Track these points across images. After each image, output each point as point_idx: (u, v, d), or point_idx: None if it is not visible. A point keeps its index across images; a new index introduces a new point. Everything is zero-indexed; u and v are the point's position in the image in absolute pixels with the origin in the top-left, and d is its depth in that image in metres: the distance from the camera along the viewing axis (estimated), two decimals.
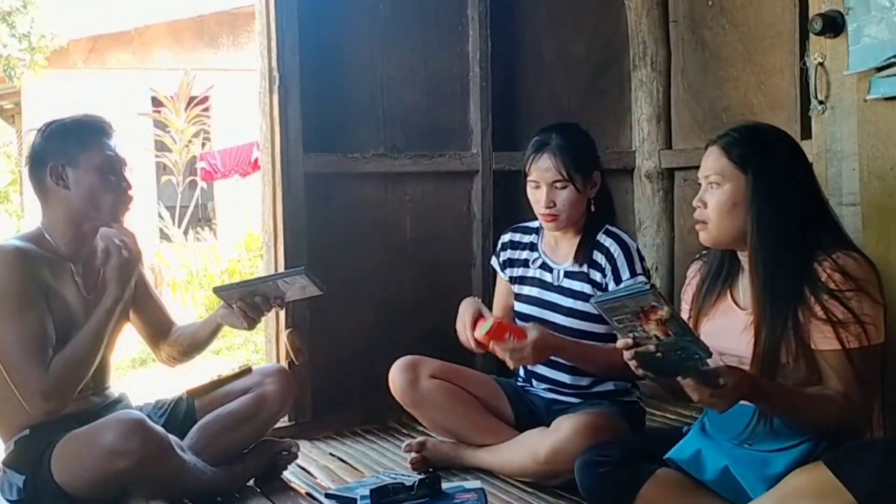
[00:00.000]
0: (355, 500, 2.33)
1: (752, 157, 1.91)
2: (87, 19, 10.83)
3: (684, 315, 2.06)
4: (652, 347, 1.74)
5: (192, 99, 11.32)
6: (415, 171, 3.29)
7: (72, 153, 2.25)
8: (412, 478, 2.42)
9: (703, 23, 3.46)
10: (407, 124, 3.30)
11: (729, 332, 1.95)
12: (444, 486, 2.37)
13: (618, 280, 2.50)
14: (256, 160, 8.78)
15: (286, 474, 2.62)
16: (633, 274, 2.50)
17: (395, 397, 2.65)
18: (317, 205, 3.10)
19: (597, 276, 2.54)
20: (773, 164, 1.91)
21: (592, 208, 2.58)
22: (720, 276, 2.04)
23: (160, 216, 10.21)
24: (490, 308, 2.77)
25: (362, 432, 3.13)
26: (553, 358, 2.52)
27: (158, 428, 2.23)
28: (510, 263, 2.73)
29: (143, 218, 9.33)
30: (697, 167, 2.04)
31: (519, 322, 2.66)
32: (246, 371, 2.60)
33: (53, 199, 2.28)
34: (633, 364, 1.80)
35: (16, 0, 10.31)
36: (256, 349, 6.09)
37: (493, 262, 2.81)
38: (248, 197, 8.78)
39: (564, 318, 2.58)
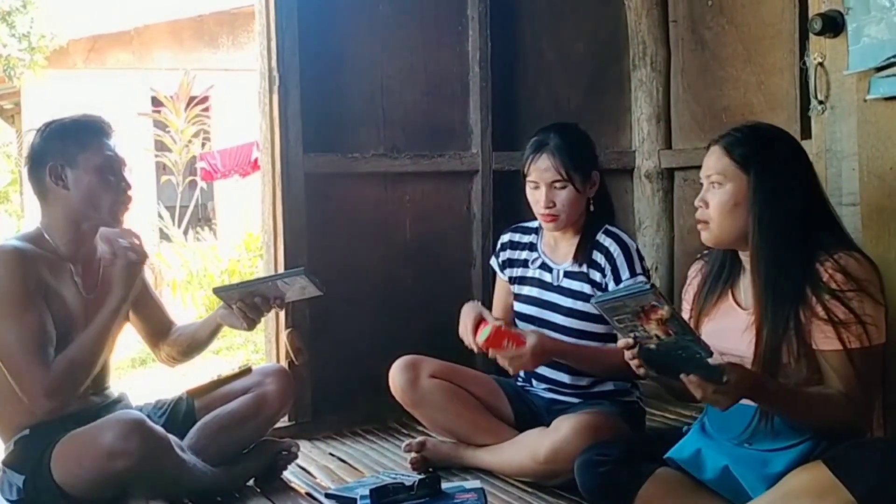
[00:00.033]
0: (355, 500, 2.33)
1: (754, 157, 1.91)
2: (86, 19, 10.83)
3: (685, 315, 2.06)
4: (653, 347, 1.74)
5: (192, 99, 11.32)
6: (415, 171, 3.29)
7: (71, 153, 2.25)
8: (412, 478, 2.42)
9: (703, 23, 3.46)
10: (407, 124, 3.30)
11: (730, 332, 1.95)
12: (444, 486, 2.37)
13: (617, 280, 2.50)
14: (256, 160, 8.78)
15: (286, 474, 2.62)
16: (633, 274, 2.50)
17: (395, 397, 2.65)
18: (317, 205, 3.10)
19: (596, 275, 2.54)
20: (775, 164, 1.91)
21: (591, 208, 2.58)
22: (721, 276, 2.04)
23: (160, 216, 10.21)
24: (490, 308, 2.78)
25: (362, 432, 3.13)
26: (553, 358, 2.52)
27: (158, 428, 2.23)
28: (510, 264, 2.73)
29: (142, 218, 9.33)
30: (697, 167, 2.04)
31: (519, 323, 2.66)
32: (246, 371, 2.60)
33: (52, 200, 2.28)
34: (634, 364, 1.80)
35: (16, 0, 10.31)
36: (256, 349, 6.09)
37: (493, 262, 2.81)
38: (247, 197, 8.78)
39: (564, 317, 2.58)
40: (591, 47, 3.66)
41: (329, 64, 3.15)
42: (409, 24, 3.31)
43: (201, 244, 9.19)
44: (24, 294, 2.16)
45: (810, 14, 2.40)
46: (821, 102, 2.40)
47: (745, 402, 1.79)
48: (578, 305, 2.55)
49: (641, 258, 2.56)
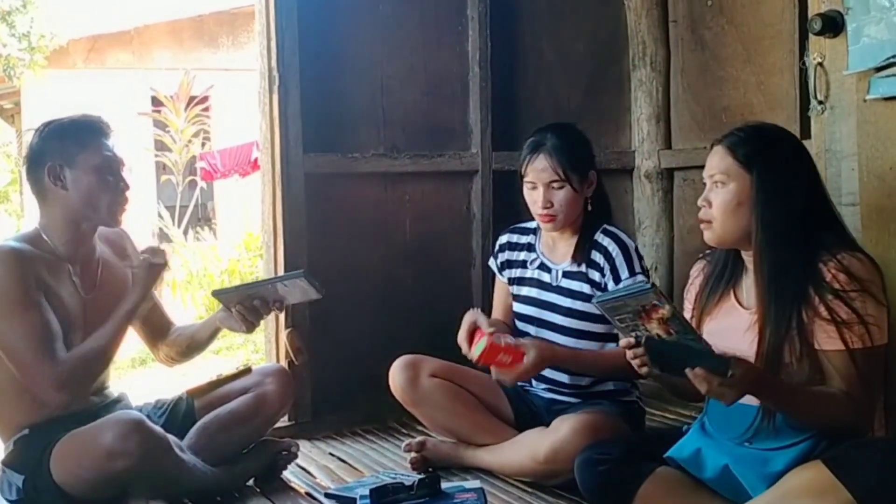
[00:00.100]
0: (355, 499, 2.33)
1: (757, 156, 1.91)
2: (86, 19, 10.82)
3: (687, 314, 2.06)
4: (660, 337, 1.73)
5: (191, 99, 11.31)
6: (414, 171, 3.30)
7: (70, 153, 2.25)
8: (412, 478, 2.42)
9: (703, 23, 3.46)
10: (407, 124, 3.31)
11: (732, 331, 1.95)
12: (444, 485, 2.37)
13: (617, 279, 2.50)
14: (256, 160, 8.78)
15: (286, 474, 2.62)
16: (632, 273, 2.50)
17: (395, 396, 2.65)
18: (317, 205, 3.10)
19: (595, 275, 2.54)
20: (778, 164, 1.91)
21: (589, 208, 2.58)
22: (724, 276, 2.04)
23: (160, 216, 10.20)
24: (490, 308, 2.78)
25: (362, 432, 3.13)
26: None
27: (158, 428, 2.23)
28: (508, 265, 2.73)
29: (142, 218, 9.33)
30: (697, 167, 2.05)
31: (518, 323, 2.66)
32: (246, 371, 2.60)
33: (51, 200, 2.28)
34: (637, 363, 1.80)
35: (16, 0, 10.31)
36: (256, 349, 6.09)
37: (492, 263, 2.80)
38: (247, 197, 8.77)
39: (563, 317, 2.57)
40: (590, 47, 3.66)
41: (329, 64, 3.15)
42: (409, 24, 3.31)
43: (201, 244, 9.18)
44: (25, 293, 2.17)
45: (810, 14, 2.40)
46: (820, 102, 2.40)
47: (745, 401, 1.79)
48: (578, 305, 2.55)
49: (640, 257, 2.56)
